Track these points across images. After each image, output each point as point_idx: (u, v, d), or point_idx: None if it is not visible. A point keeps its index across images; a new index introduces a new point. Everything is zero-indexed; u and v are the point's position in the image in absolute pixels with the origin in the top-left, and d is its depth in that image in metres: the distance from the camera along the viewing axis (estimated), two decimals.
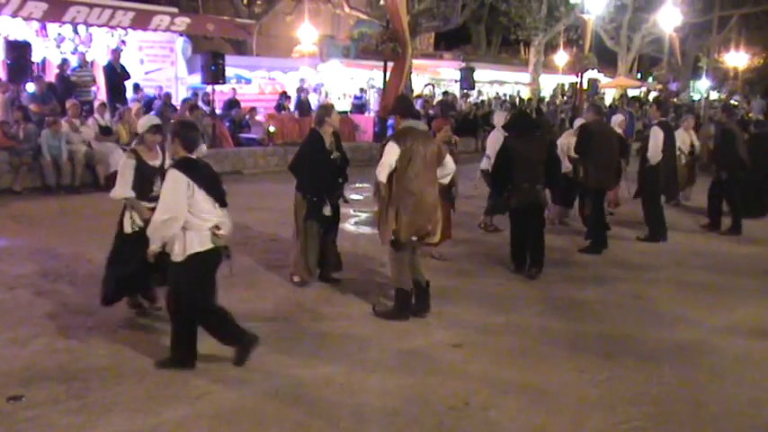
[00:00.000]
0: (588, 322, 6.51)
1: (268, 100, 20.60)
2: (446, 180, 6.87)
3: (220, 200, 5.12)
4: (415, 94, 24.20)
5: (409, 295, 6.43)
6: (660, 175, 9.70)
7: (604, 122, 9.92)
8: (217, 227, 5.04)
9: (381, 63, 18.95)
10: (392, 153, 6.18)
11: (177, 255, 5.00)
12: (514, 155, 7.82)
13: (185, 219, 4.91)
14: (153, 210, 5.66)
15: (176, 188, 4.90)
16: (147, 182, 5.90)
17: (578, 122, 11.14)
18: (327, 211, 7.07)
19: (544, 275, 7.84)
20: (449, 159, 6.70)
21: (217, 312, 5.21)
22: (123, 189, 5.84)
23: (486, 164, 9.93)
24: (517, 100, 28.88)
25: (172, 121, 11.14)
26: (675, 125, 12.57)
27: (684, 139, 11.62)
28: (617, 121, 11.28)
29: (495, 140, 9.74)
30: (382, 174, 6.22)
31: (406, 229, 6.23)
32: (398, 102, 7.29)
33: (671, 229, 10.18)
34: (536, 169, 7.81)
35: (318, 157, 7.04)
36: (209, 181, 5.09)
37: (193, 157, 5.10)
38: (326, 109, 7.42)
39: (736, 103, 35.08)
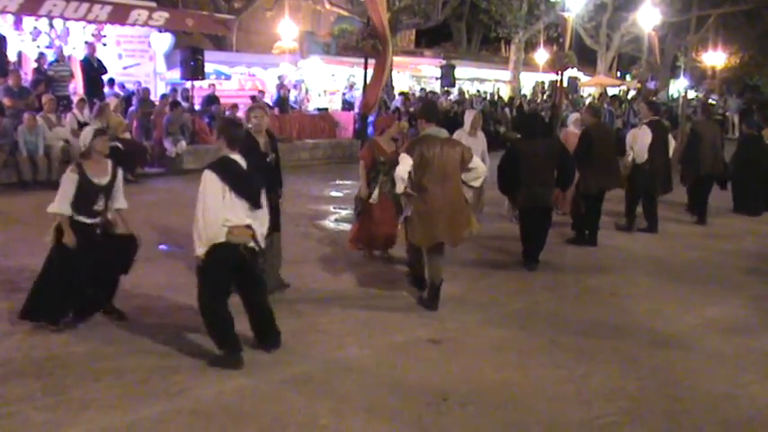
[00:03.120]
0: (565, 319, 6.56)
1: (248, 96, 20.47)
2: (477, 183, 6.80)
3: (251, 200, 5.16)
4: (397, 91, 24.20)
5: (420, 273, 6.94)
6: (647, 173, 9.81)
7: (602, 123, 9.96)
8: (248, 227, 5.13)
9: (362, 60, 18.90)
10: (404, 165, 6.33)
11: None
12: (521, 156, 7.93)
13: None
14: (91, 226, 5.67)
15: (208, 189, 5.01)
16: (88, 200, 5.69)
17: (573, 118, 11.18)
18: None
19: (522, 274, 7.91)
20: (476, 161, 6.65)
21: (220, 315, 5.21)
22: (60, 204, 5.61)
23: None
24: (496, 98, 28.95)
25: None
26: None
27: None
28: (572, 119, 11.27)
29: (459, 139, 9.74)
30: (400, 187, 6.45)
31: (420, 238, 6.57)
32: (425, 107, 7.29)
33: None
34: (544, 170, 7.89)
35: (251, 160, 6.23)
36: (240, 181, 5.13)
37: (233, 156, 5.19)
38: (248, 110, 6.86)
39: (713, 102, 35.45)
